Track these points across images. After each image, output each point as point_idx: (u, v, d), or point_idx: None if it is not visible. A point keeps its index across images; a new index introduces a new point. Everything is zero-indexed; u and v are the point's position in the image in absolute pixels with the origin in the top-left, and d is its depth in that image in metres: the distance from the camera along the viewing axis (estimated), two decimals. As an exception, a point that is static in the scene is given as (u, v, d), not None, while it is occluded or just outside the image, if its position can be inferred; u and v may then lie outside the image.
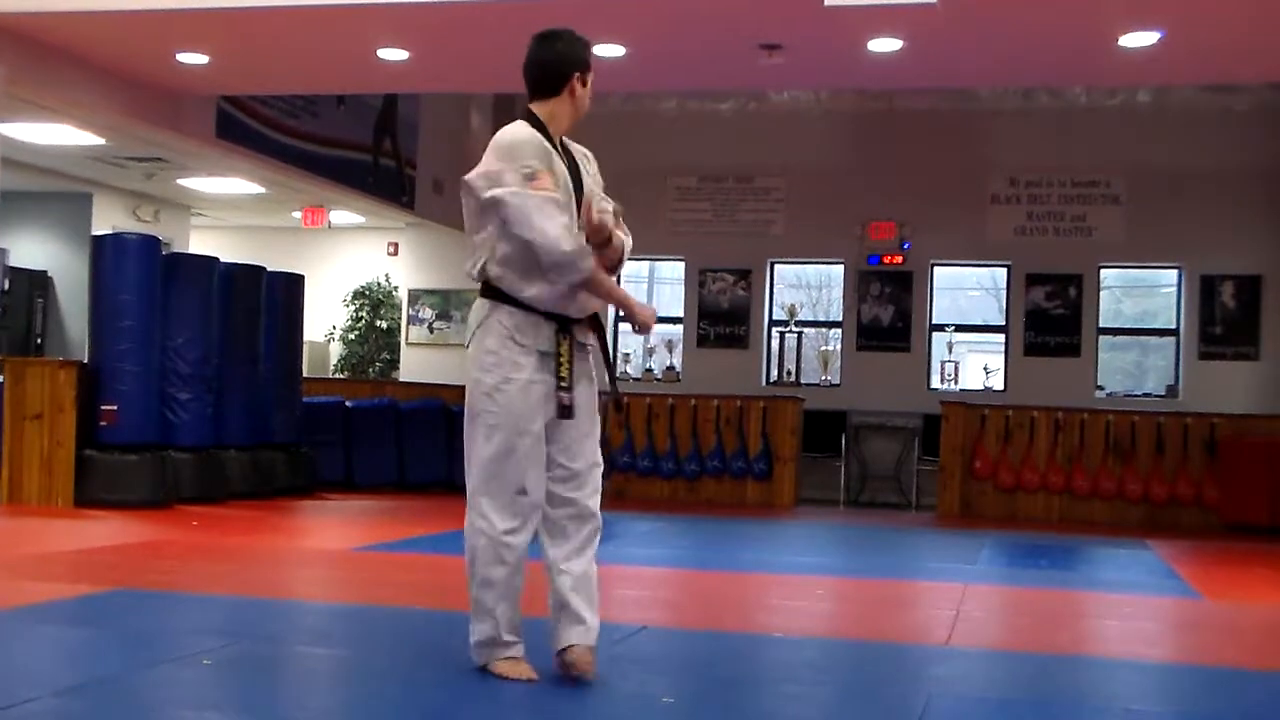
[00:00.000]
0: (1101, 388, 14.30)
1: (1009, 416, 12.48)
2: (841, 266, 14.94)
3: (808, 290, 16.07)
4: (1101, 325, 14.42)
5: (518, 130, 4.03)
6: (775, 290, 15.19)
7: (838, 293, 15.23)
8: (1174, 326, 14.38)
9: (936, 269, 14.76)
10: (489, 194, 3.94)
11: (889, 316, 14.66)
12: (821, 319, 15.95)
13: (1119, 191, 14.15)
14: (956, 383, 14.40)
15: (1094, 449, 12.26)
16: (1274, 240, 13.76)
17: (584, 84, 4.15)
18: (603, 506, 4.15)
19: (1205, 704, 4.43)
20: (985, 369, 14.77)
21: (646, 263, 16.06)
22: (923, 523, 11.94)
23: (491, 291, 4.02)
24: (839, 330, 15.06)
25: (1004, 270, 14.66)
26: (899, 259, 14.54)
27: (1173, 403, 13.76)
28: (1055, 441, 12.33)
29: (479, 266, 4.04)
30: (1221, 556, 9.65)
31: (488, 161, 4.00)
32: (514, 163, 3.95)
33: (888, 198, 14.48)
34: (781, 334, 14.92)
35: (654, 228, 13.73)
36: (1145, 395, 14.36)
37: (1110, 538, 10.59)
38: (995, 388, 14.38)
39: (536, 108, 4.13)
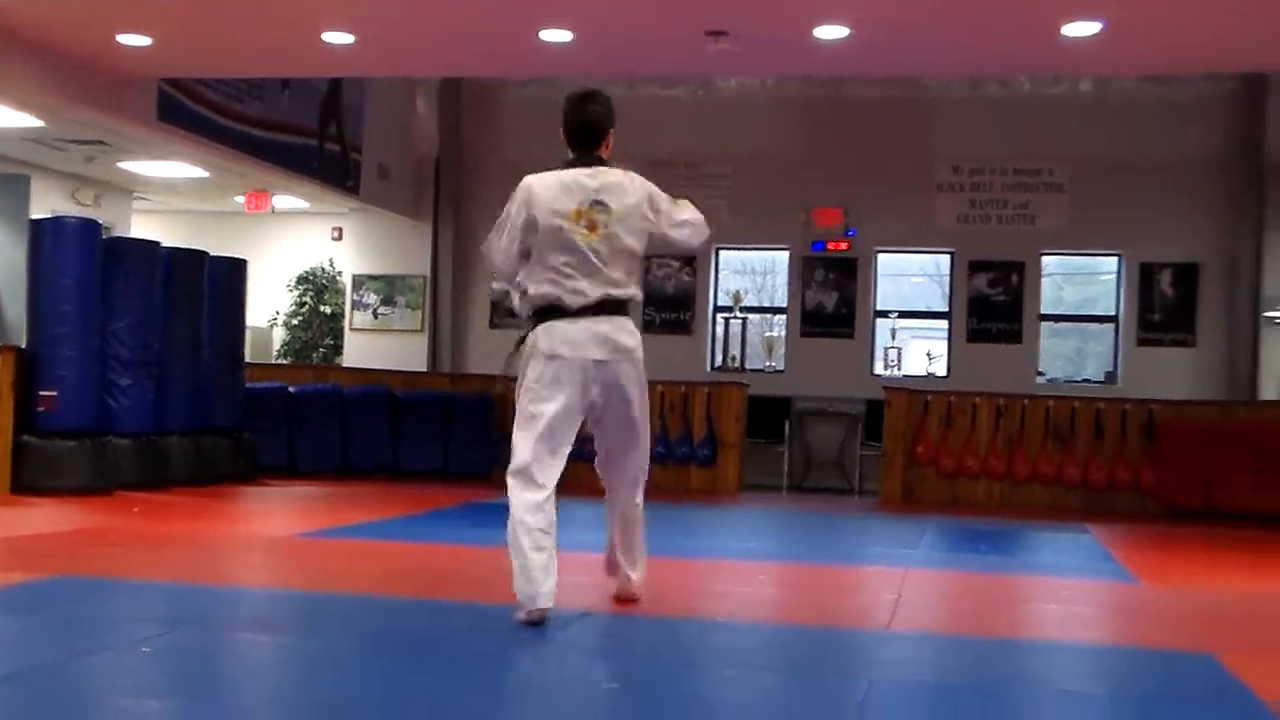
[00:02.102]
0: (1042, 374, 14.46)
1: (951, 402, 12.57)
2: (786, 253, 15.00)
3: (752, 276, 16.10)
4: (1042, 312, 14.59)
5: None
6: (720, 276, 15.24)
7: (782, 279, 15.29)
8: (1113, 313, 14.56)
9: (880, 255, 14.85)
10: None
11: (833, 303, 14.74)
12: (766, 305, 16.02)
13: (1061, 180, 14.29)
14: (899, 369, 14.52)
15: (1034, 434, 12.38)
16: (1212, 229, 13.96)
17: (613, 137, 4.86)
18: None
19: (1140, 685, 4.50)
20: (928, 355, 14.90)
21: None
22: (865, 508, 12.02)
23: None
24: (783, 316, 15.12)
25: (947, 257, 14.78)
26: (844, 245, 14.62)
27: (1112, 389, 13.93)
28: (996, 427, 12.44)
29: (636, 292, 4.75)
30: (1157, 540, 9.79)
31: (661, 194, 4.73)
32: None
33: (833, 184, 14.55)
34: (726, 320, 14.97)
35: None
36: (1085, 381, 14.54)
37: (1050, 522, 10.71)
38: (938, 374, 14.50)
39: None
